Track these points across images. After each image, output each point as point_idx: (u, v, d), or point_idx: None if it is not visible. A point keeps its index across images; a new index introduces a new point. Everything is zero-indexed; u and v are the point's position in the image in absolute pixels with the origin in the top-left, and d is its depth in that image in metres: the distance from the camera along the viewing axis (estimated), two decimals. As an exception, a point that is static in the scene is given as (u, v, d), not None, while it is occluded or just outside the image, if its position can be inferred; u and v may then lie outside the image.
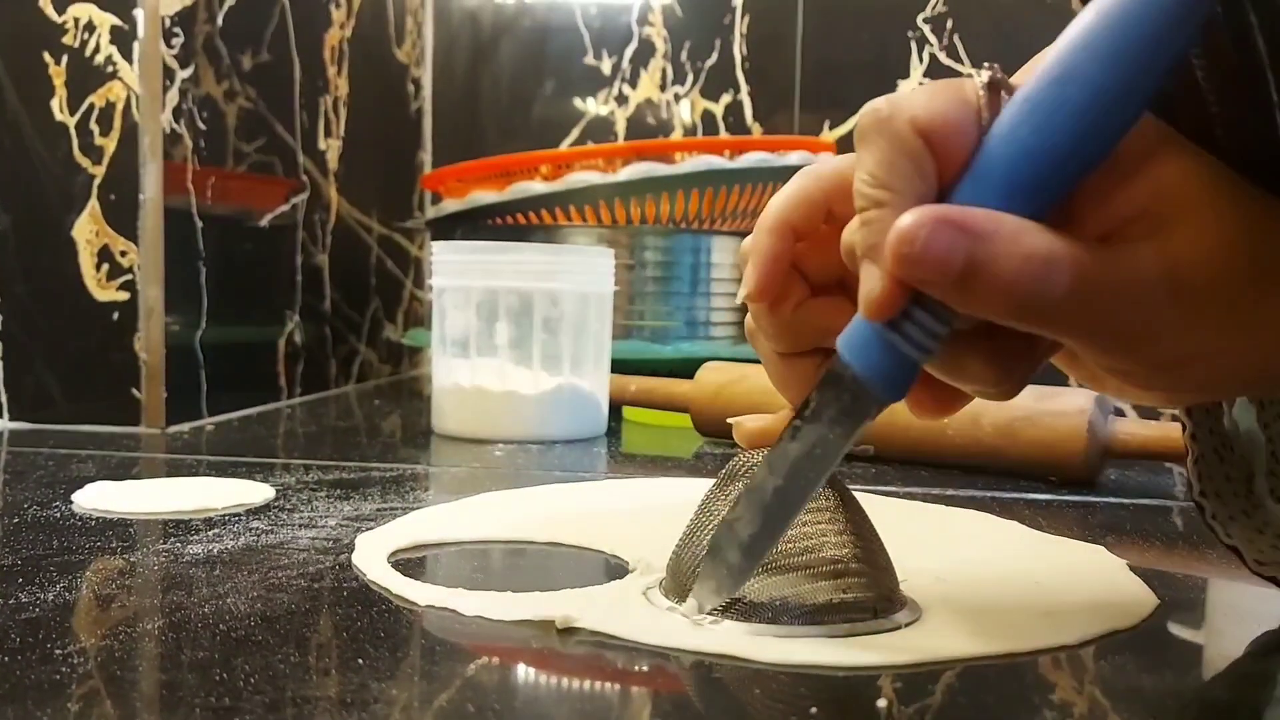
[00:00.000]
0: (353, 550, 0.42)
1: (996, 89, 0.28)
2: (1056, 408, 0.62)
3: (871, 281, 0.28)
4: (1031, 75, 0.27)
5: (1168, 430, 0.62)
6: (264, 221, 0.90)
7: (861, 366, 0.29)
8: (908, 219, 0.26)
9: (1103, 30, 0.26)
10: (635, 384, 0.82)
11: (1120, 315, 0.27)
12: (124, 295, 0.74)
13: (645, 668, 0.31)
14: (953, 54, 1.21)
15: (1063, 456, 0.61)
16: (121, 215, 0.73)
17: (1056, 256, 0.26)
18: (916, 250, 0.26)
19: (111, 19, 0.73)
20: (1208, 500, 0.36)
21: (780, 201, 0.34)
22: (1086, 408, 0.61)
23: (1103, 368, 0.29)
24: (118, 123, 0.73)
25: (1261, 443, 0.35)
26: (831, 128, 1.24)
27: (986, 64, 0.28)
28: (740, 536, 0.32)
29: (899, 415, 0.66)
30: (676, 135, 1.28)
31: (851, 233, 0.30)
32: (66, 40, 0.73)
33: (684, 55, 1.27)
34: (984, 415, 0.64)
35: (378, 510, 0.50)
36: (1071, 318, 0.27)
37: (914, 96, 0.28)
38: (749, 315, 0.35)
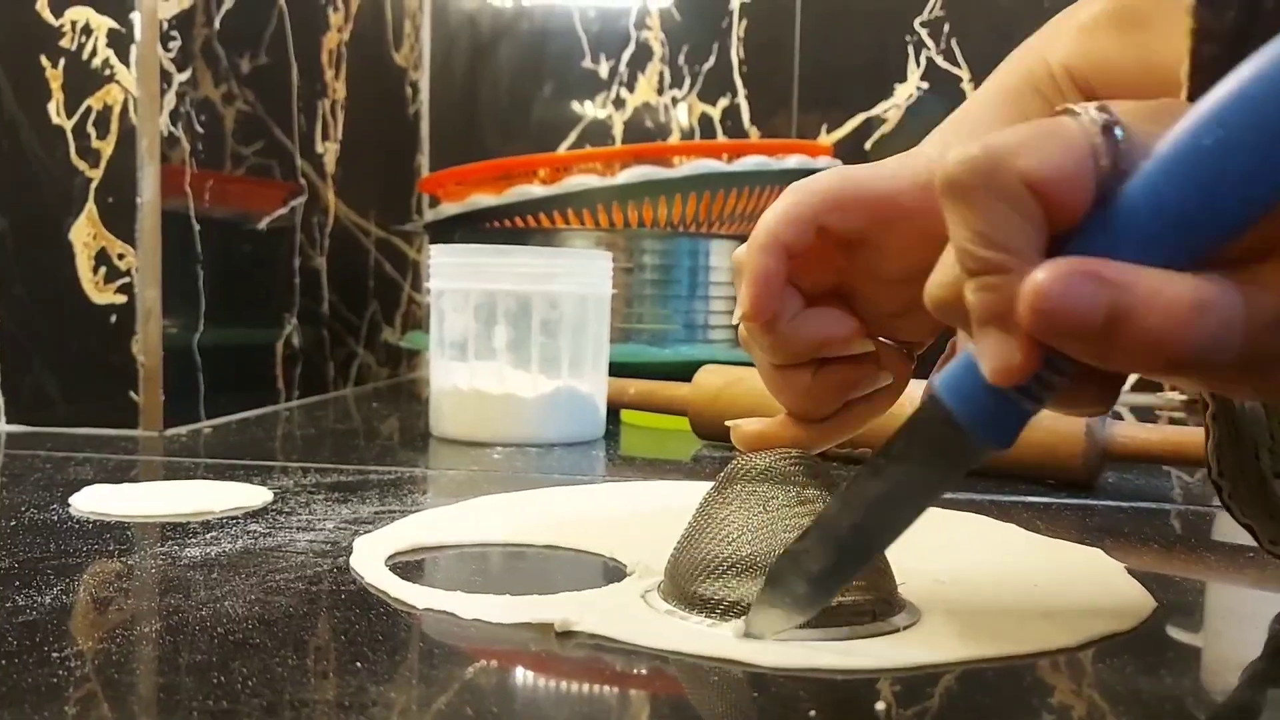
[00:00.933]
0: (351, 553, 0.42)
1: (1110, 131, 0.26)
2: (1050, 442, 0.61)
3: (1002, 347, 0.26)
4: (1179, 129, 0.24)
5: (1166, 433, 0.62)
6: (262, 224, 0.90)
7: (968, 415, 0.28)
8: (1042, 275, 0.24)
9: (1271, 99, 0.23)
10: (634, 387, 0.82)
11: (1274, 349, 0.24)
12: (122, 298, 0.74)
13: (644, 671, 0.31)
14: (950, 58, 1.21)
15: (1062, 459, 0.61)
16: (119, 218, 0.73)
17: (1205, 301, 0.24)
18: (1055, 307, 0.24)
19: (109, 22, 0.73)
20: (1225, 480, 0.36)
21: (772, 219, 0.34)
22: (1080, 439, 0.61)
23: (1219, 390, 0.28)
24: (115, 126, 0.73)
25: (1263, 419, 0.35)
26: (829, 131, 1.25)
27: (1096, 104, 0.26)
28: (808, 569, 0.32)
29: (895, 420, 0.66)
30: (674, 138, 1.28)
31: (942, 288, 0.28)
32: (64, 43, 0.73)
33: (682, 59, 1.27)
34: None
35: (376, 513, 0.50)
36: (1227, 363, 0.24)
37: (1014, 143, 0.26)
38: (742, 326, 0.36)
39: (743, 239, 0.97)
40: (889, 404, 0.37)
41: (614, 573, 0.41)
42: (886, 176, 0.35)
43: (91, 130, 0.73)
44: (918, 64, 1.22)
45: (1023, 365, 0.26)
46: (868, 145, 1.23)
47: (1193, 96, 0.27)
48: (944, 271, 0.28)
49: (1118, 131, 0.25)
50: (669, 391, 0.79)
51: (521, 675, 0.31)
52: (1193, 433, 0.61)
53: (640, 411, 0.84)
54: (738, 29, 1.25)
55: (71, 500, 0.51)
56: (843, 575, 0.32)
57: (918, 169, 0.34)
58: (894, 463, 0.30)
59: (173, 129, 0.75)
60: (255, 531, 0.46)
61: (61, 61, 0.73)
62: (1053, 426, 0.61)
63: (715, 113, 1.27)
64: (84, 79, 0.73)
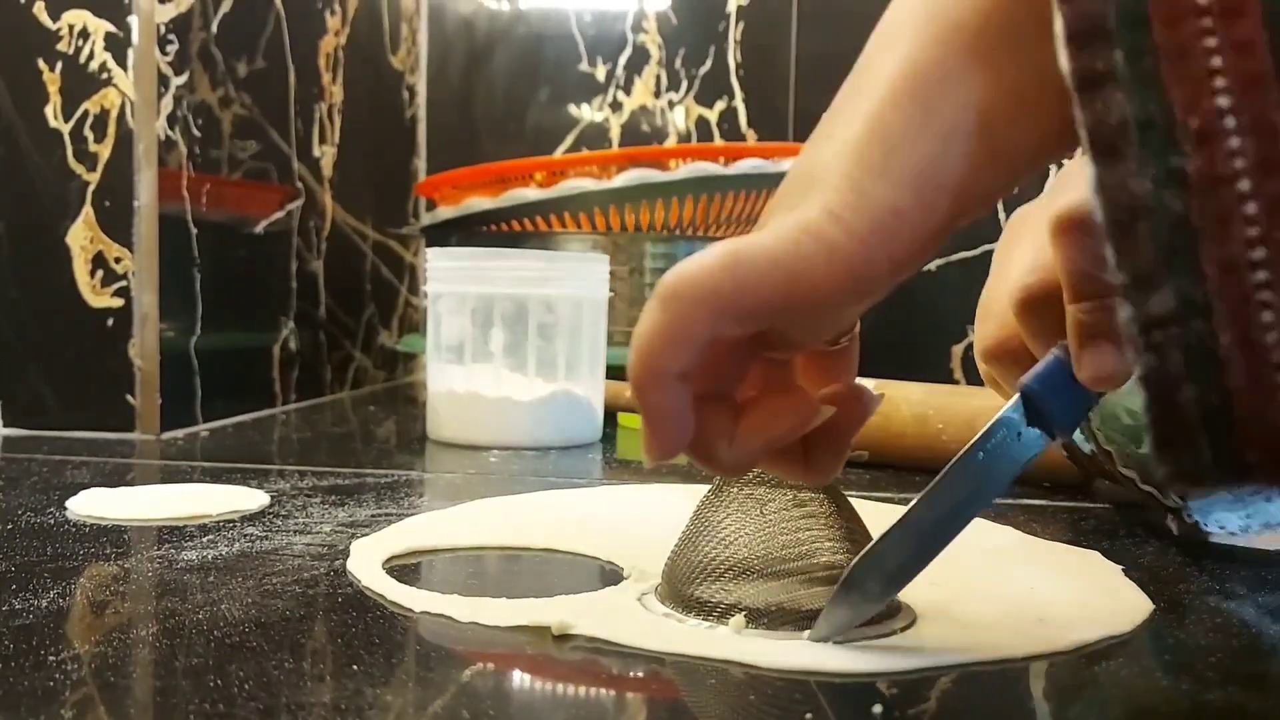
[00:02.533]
0: (347, 556, 0.42)
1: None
2: None
3: (1108, 358, 0.29)
4: None
5: None
6: (259, 228, 0.90)
7: (1059, 413, 0.31)
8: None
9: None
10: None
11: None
12: (119, 302, 0.74)
13: (640, 673, 0.31)
14: (947, 61, 1.21)
15: (1058, 461, 0.61)
16: (116, 222, 0.73)
17: None
18: None
19: (106, 26, 0.73)
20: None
21: (650, 346, 0.27)
22: None
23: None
24: (112, 129, 0.73)
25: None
26: (826, 134, 1.25)
27: None
28: (886, 567, 0.32)
29: (892, 422, 0.66)
30: (671, 142, 1.28)
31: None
32: (61, 47, 0.73)
33: (678, 62, 1.27)
34: (980, 419, 0.64)
35: (372, 516, 0.50)
36: None
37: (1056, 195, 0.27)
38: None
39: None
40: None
41: (611, 576, 0.41)
42: (788, 257, 0.26)
43: (89, 134, 0.73)
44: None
45: (1122, 370, 0.28)
46: (864, 149, 1.23)
47: None
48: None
49: None
50: None
51: (518, 678, 0.31)
52: None
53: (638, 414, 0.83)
54: (734, 32, 1.25)
55: (68, 504, 0.51)
56: (918, 568, 0.33)
57: (824, 235, 0.26)
58: (974, 459, 0.31)
59: (170, 132, 0.75)
60: (252, 535, 0.46)
61: (59, 65, 0.73)
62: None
63: (712, 116, 1.27)
64: (81, 82, 0.73)
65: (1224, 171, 0.20)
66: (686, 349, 0.27)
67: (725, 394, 0.30)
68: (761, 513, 0.35)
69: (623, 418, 0.87)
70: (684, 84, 1.27)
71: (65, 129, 0.73)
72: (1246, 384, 0.21)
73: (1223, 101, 0.20)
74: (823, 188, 0.26)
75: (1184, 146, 0.20)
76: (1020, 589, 0.40)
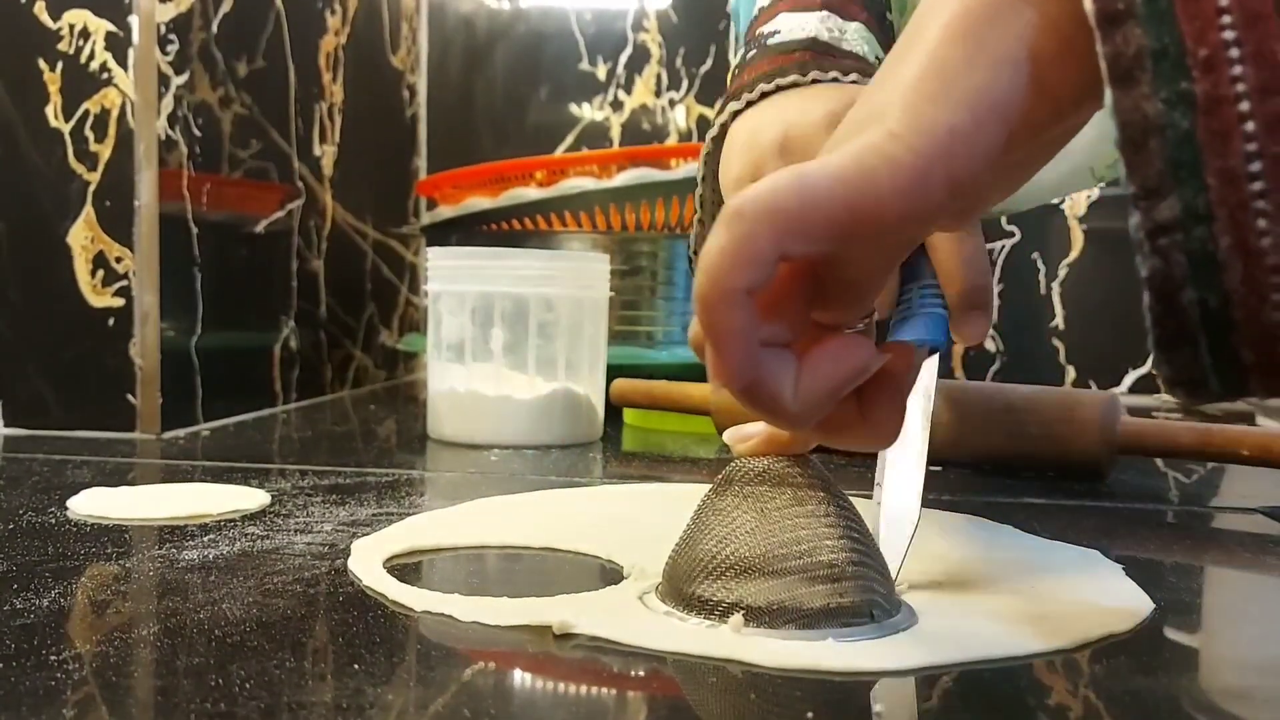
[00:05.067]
0: (348, 556, 0.42)
1: None
2: (1071, 401, 0.65)
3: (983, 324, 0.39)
4: None
5: (1174, 430, 0.63)
6: (259, 227, 0.90)
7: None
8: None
9: None
10: (648, 386, 0.81)
11: None
12: (119, 301, 0.74)
13: (642, 672, 0.31)
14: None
15: (1079, 447, 0.62)
16: (117, 221, 0.73)
17: None
18: None
19: (106, 25, 0.73)
20: None
21: (722, 261, 0.27)
22: (1100, 402, 0.64)
23: None
24: (113, 129, 0.73)
25: None
26: (826, 133, 1.25)
27: None
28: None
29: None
30: (671, 141, 1.28)
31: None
32: (61, 47, 0.73)
33: (679, 61, 1.27)
34: (1002, 402, 0.65)
35: (373, 515, 0.50)
36: None
37: None
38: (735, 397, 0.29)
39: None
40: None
41: (611, 575, 0.41)
42: (852, 174, 0.27)
43: (89, 133, 0.73)
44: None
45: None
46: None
47: None
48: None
49: None
50: (688, 391, 0.79)
51: (519, 677, 0.31)
52: (1201, 428, 0.62)
53: (646, 411, 0.83)
54: (735, 31, 1.25)
55: (69, 503, 0.51)
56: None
57: (885, 151, 0.27)
58: None
59: (170, 132, 0.75)
60: (253, 534, 0.46)
61: (59, 65, 0.73)
62: (1070, 419, 0.63)
63: (713, 115, 1.27)
64: (82, 82, 0.73)
65: (1227, 93, 0.22)
66: (754, 266, 0.27)
67: (785, 341, 0.30)
68: (762, 511, 0.35)
69: (627, 414, 0.87)
70: (685, 83, 1.27)
71: (66, 129, 0.73)
72: (1244, 286, 0.22)
73: (1228, 34, 0.22)
74: (882, 117, 0.27)
75: (1193, 72, 0.23)
76: (1021, 587, 0.40)
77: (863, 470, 0.67)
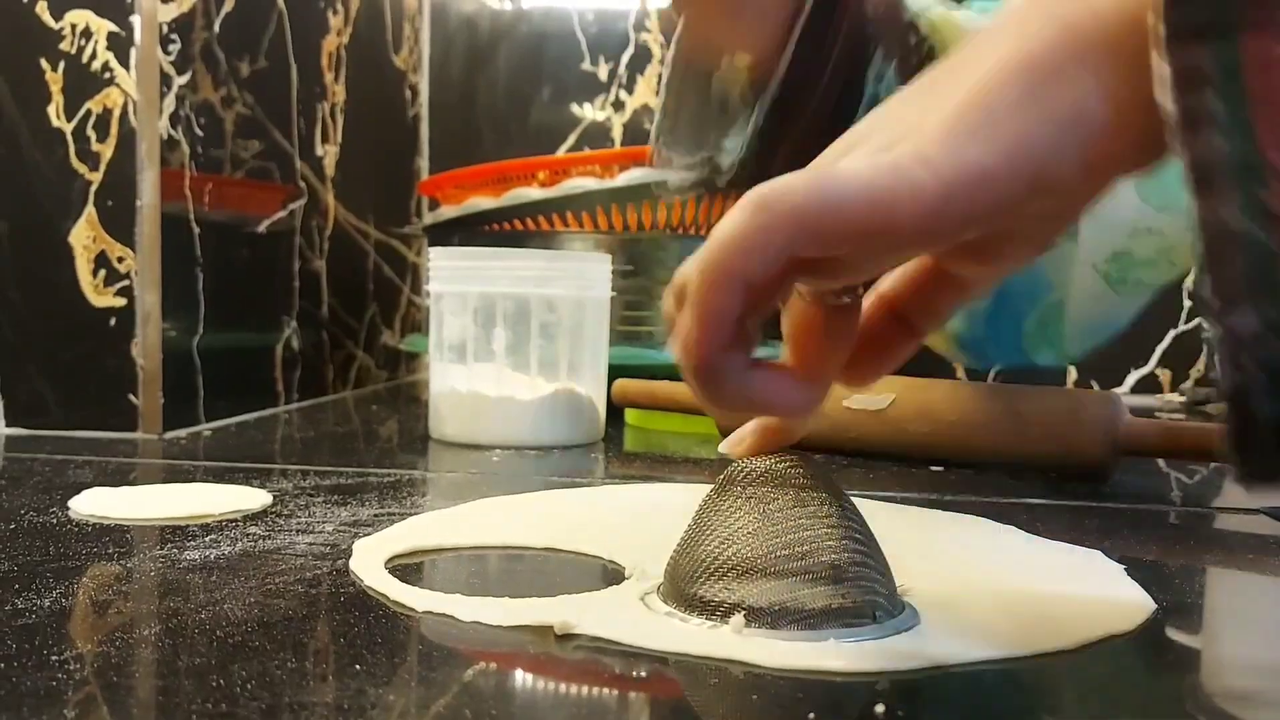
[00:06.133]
0: (350, 556, 0.42)
1: None
2: (1073, 401, 0.65)
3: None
4: None
5: (1177, 431, 0.63)
6: (261, 227, 0.91)
7: None
8: None
9: None
10: (658, 388, 0.81)
11: None
12: (121, 301, 0.74)
13: (643, 673, 0.31)
14: (949, 60, 1.21)
15: (1080, 447, 0.62)
16: (119, 221, 0.73)
17: None
18: None
19: (109, 25, 0.73)
20: None
21: (731, 245, 0.28)
22: (1102, 402, 0.64)
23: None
24: (115, 129, 0.73)
25: None
26: (828, 133, 1.24)
27: None
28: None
29: (910, 409, 0.65)
30: (673, 141, 1.27)
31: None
32: (63, 46, 0.73)
33: (681, 61, 1.27)
34: (1003, 402, 0.66)
35: (375, 516, 0.50)
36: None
37: None
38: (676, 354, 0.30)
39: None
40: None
41: (613, 575, 0.41)
42: (878, 189, 0.27)
43: (91, 133, 0.73)
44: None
45: None
46: (867, 147, 1.23)
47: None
48: None
49: None
50: (686, 392, 0.79)
51: (521, 678, 0.31)
52: (1205, 428, 0.62)
53: (648, 411, 0.83)
54: (737, 31, 1.25)
55: (71, 503, 0.51)
56: None
57: (913, 174, 0.27)
58: None
59: (172, 132, 0.76)
60: (254, 534, 0.46)
61: (61, 64, 0.73)
62: (1073, 419, 0.63)
63: None
64: (84, 82, 0.73)
65: None
66: (763, 258, 0.27)
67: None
68: (764, 512, 0.34)
69: (629, 414, 0.87)
70: (686, 83, 1.27)
71: (67, 128, 0.73)
72: None
73: None
74: (916, 139, 0.27)
75: (1271, 184, 0.23)
76: (1022, 588, 0.40)
77: (864, 470, 0.67)
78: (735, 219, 0.27)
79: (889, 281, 0.34)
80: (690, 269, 0.29)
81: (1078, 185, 0.28)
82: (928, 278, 0.33)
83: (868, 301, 0.34)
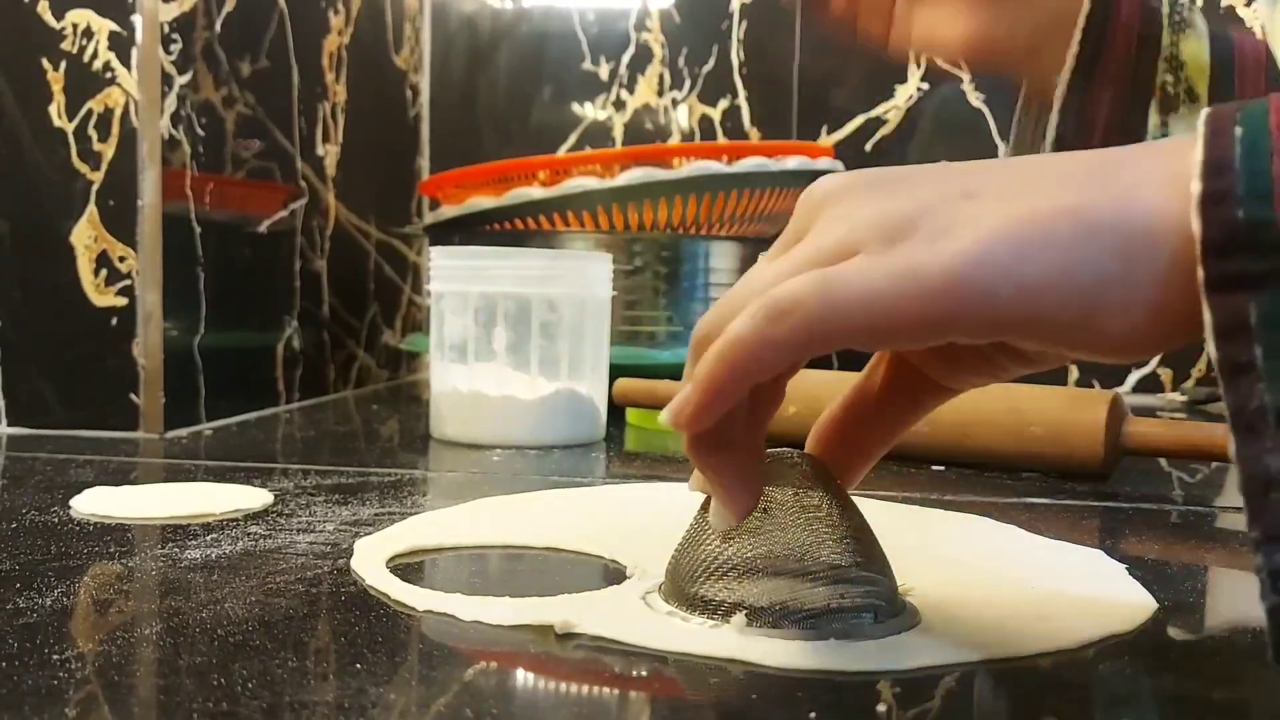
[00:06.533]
0: (351, 555, 0.42)
1: None
2: (1074, 401, 0.65)
3: None
4: None
5: (1179, 430, 0.63)
6: (262, 227, 0.91)
7: None
8: None
9: None
10: (659, 387, 0.82)
11: None
12: (122, 301, 0.74)
13: (644, 672, 0.31)
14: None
15: (1081, 447, 0.62)
16: (120, 221, 0.73)
17: None
18: None
19: (110, 25, 0.73)
20: None
21: (745, 348, 0.29)
22: (1104, 402, 0.64)
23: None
24: (116, 128, 0.73)
25: None
26: (829, 132, 1.25)
27: None
28: None
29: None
30: (674, 140, 1.28)
31: None
32: (65, 46, 0.73)
33: (681, 60, 1.27)
34: (1003, 402, 0.66)
35: (376, 515, 0.50)
36: None
37: None
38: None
39: (743, 240, 0.98)
40: None
41: (613, 575, 0.41)
42: (891, 295, 0.28)
43: (93, 133, 0.73)
44: (918, 65, 1.22)
45: None
46: (868, 146, 1.24)
47: None
48: None
49: None
50: None
51: (521, 677, 0.31)
52: (1206, 428, 0.62)
53: (649, 410, 0.83)
54: (738, 31, 1.25)
55: (72, 503, 0.51)
56: None
57: (921, 277, 0.28)
58: None
59: (174, 132, 0.76)
60: (255, 533, 0.46)
61: (63, 64, 0.73)
62: (1074, 419, 0.63)
63: (715, 114, 1.27)
64: (85, 82, 0.73)
65: None
66: (769, 364, 0.29)
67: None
68: (765, 511, 0.34)
69: (630, 414, 0.87)
70: (687, 82, 1.27)
71: (69, 128, 0.73)
72: None
73: None
74: (960, 236, 0.28)
75: None
76: (1023, 587, 0.40)
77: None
78: (748, 325, 0.29)
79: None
80: (706, 334, 0.31)
81: (1093, 350, 0.28)
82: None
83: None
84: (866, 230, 0.29)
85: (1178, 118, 0.64)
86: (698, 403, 0.30)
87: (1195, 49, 0.65)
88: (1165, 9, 0.65)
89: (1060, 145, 0.66)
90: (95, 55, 0.73)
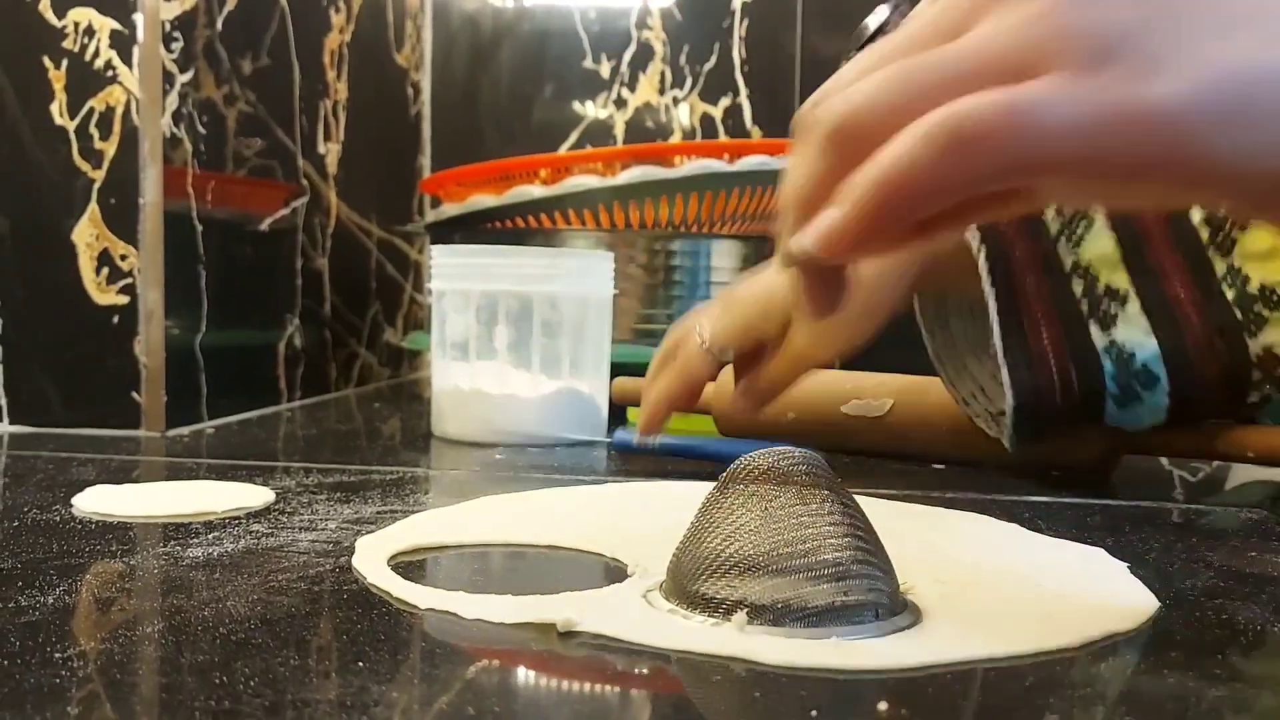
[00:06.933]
0: (353, 553, 0.42)
1: None
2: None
3: None
4: None
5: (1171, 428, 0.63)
6: (264, 225, 0.91)
7: None
8: None
9: None
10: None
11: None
12: (124, 299, 0.74)
13: (645, 670, 0.31)
14: (952, 57, 1.21)
15: (1081, 447, 0.62)
16: (121, 219, 0.74)
17: None
18: None
19: (111, 23, 0.73)
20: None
21: (927, 189, 0.26)
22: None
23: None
24: (117, 127, 0.73)
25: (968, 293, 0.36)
26: (831, 131, 1.24)
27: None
28: None
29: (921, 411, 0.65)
30: (676, 138, 1.28)
31: None
32: (66, 44, 0.73)
33: (683, 59, 1.27)
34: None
35: (378, 513, 0.50)
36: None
37: None
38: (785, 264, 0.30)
39: (745, 239, 0.97)
40: None
41: (615, 573, 0.41)
42: (1104, 133, 0.25)
43: (94, 131, 0.73)
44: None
45: None
46: (869, 145, 1.23)
47: None
48: None
49: None
50: None
51: (523, 675, 0.31)
52: (1208, 428, 0.62)
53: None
54: (739, 28, 1.25)
55: (74, 501, 0.51)
56: None
57: (1142, 117, 0.25)
58: None
59: (175, 130, 0.76)
60: (257, 531, 0.46)
61: (64, 62, 0.73)
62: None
63: (717, 112, 1.27)
64: (86, 80, 0.73)
65: None
66: (953, 199, 0.26)
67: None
68: (766, 509, 0.34)
69: (631, 412, 0.87)
70: (688, 81, 1.27)
71: (70, 126, 0.73)
72: None
73: None
74: (1181, 73, 0.25)
75: None
76: (1025, 586, 0.40)
77: (865, 468, 0.67)
78: (922, 150, 0.25)
79: None
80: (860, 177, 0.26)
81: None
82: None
83: None
84: (1060, 44, 0.25)
85: (1125, 318, 0.57)
86: (849, 231, 0.26)
87: (1097, 245, 0.58)
88: (1053, 230, 0.59)
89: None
90: (97, 53, 0.73)
